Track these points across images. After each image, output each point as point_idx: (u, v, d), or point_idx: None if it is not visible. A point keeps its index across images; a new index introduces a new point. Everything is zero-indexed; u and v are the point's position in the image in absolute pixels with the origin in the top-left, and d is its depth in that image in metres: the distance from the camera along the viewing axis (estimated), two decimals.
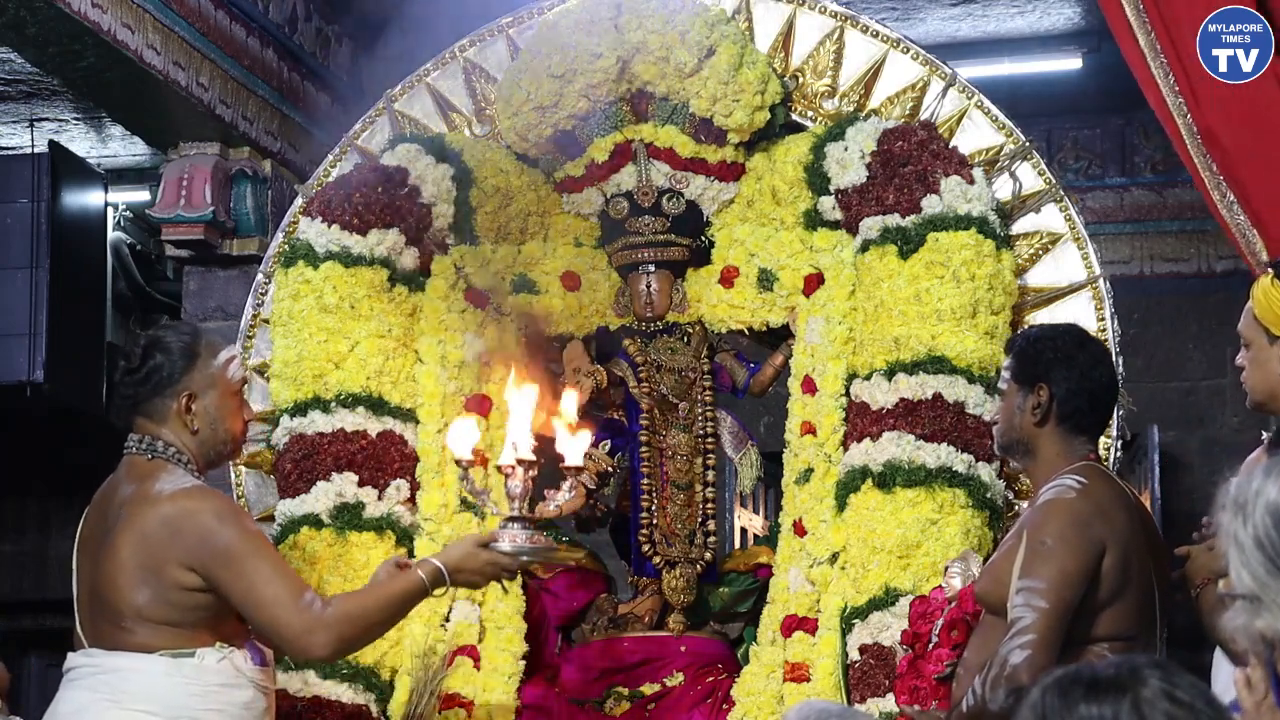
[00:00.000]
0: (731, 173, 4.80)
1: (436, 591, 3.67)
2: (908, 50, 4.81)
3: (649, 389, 4.80)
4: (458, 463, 3.96)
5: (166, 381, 3.66)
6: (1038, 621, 3.37)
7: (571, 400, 3.96)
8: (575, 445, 3.85)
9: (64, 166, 7.88)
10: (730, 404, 5.00)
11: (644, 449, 4.79)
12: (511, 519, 3.73)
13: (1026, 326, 4.42)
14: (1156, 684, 1.77)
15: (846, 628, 4.26)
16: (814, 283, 4.66)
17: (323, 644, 3.54)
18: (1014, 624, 3.40)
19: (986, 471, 4.33)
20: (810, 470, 4.53)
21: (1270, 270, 3.66)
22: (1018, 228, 4.66)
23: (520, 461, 3.74)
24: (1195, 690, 1.78)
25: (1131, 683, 1.77)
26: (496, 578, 3.77)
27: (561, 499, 3.88)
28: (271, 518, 4.65)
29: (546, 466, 3.90)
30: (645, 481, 4.78)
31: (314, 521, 4.51)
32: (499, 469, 3.88)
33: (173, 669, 3.52)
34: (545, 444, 3.90)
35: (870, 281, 4.52)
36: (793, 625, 4.42)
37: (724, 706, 4.51)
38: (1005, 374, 3.74)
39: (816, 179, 4.69)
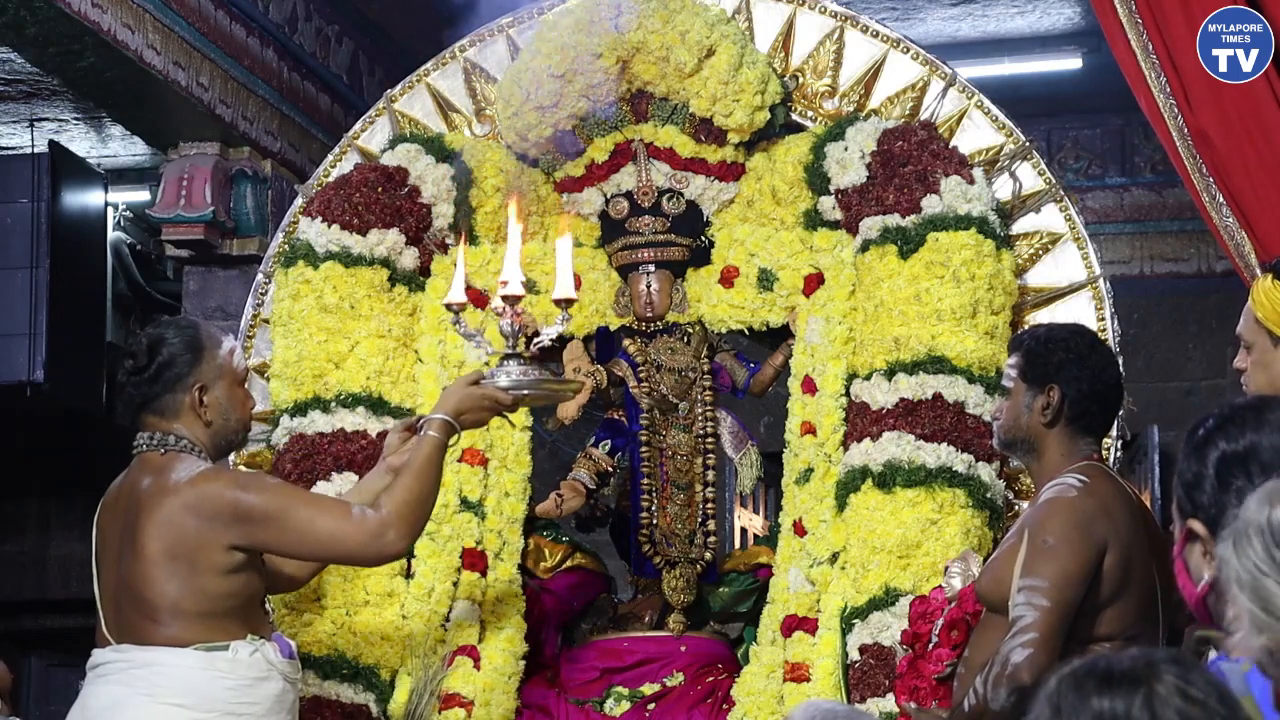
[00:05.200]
0: (731, 173, 4.79)
1: (451, 440, 3.76)
2: (908, 50, 4.81)
3: (649, 389, 4.79)
4: (448, 307, 3.99)
5: (177, 378, 3.68)
6: (1039, 620, 3.37)
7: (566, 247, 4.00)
8: (562, 271, 3.94)
9: (64, 166, 7.88)
10: (730, 404, 4.99)
11: (644, 449, 4.78)
12: (507, 356, 3.83)
13: (1027, 326, 4.41)
14: (1171, 680, 1.74)
15: (846, 628, 4.26)
16: (814, 283, 4.66)
17: (394, 540, 3.63)
18: (1015, 623, 3.39)
19: (986, 471, 4.33)
20: (810, 470, 4.52)
21: (1270, 271, 3.64)
22: (1018, 228, 4.66)
23: (507, 299, 3.83)
24: (1210, 688, 1.75)
25: (1146, 677, 1.75)
26: (497, 413, 3.85)
27: (553, 332, 3.94)
28: None
29: (548, 466, 3.90)
30: (645, 481, 4.77)
31: None
32: (493, 310, 4.03)
33: (207, 663, 3.53)
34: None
35: (870, 281, 4.51)
36: (793, 625, 4.42)
37: (724, 706, 4.50)
38: (1011, 372, 3.73)
39: (816, 179, 4.69)
